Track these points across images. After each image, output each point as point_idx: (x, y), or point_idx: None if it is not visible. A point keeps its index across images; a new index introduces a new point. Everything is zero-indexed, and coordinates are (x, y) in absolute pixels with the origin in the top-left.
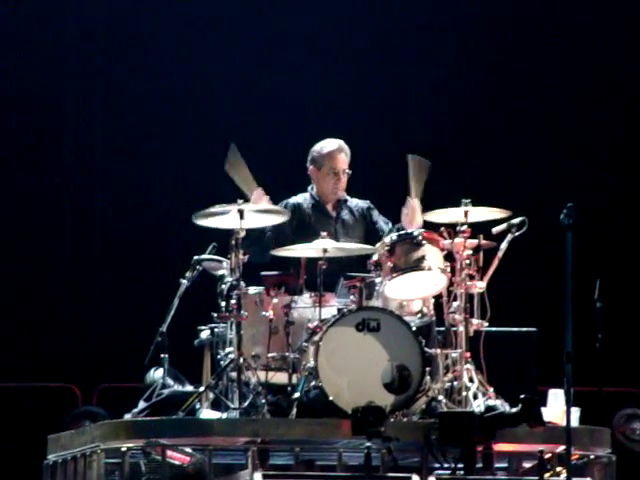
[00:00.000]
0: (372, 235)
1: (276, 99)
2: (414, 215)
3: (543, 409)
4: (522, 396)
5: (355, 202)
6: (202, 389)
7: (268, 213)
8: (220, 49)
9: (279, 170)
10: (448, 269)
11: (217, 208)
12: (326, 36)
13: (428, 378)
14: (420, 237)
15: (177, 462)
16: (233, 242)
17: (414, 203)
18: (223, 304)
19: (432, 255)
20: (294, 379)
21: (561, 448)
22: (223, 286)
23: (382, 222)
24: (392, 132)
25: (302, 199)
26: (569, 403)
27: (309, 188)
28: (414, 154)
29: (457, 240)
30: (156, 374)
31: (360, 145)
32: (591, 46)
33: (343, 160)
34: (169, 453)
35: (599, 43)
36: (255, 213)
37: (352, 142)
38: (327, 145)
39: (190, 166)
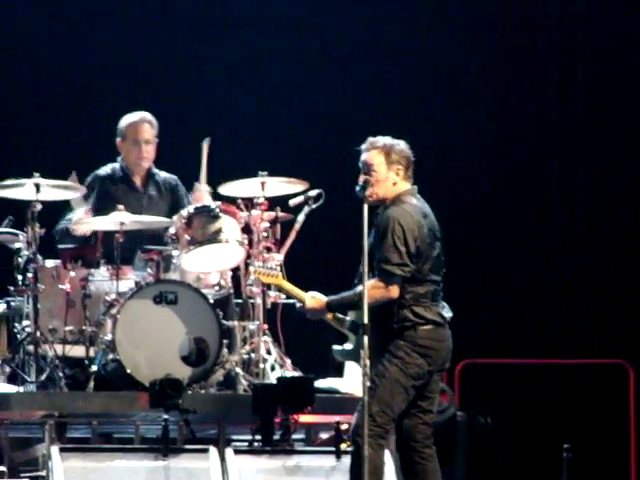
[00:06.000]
0: (177, 211)
1: None
2: (203, 200)
3: (340, 380)
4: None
5: (163, 176)
6: None
7: (64, 188)
8: None
9: None
10: (245, 241)
11: (11, 181)
12: None
13: (226, 350)
14: (217, 209)
15: None
16: (29, 215)
17: (202, 187)
18: (20, 277)
19: (229, 227)
20: (91, 352)
21: None
22: (19, 259)
23: (187, 199)
24: None
25: (111, 170)
26: (365, 376)
27: (118, 159)
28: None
29: (254, 212)
30: None
31: None
32: None
33: (146, 130)
34: None
35: None
36: (51, 188)
37: None
38: (130, 117)
39: None
